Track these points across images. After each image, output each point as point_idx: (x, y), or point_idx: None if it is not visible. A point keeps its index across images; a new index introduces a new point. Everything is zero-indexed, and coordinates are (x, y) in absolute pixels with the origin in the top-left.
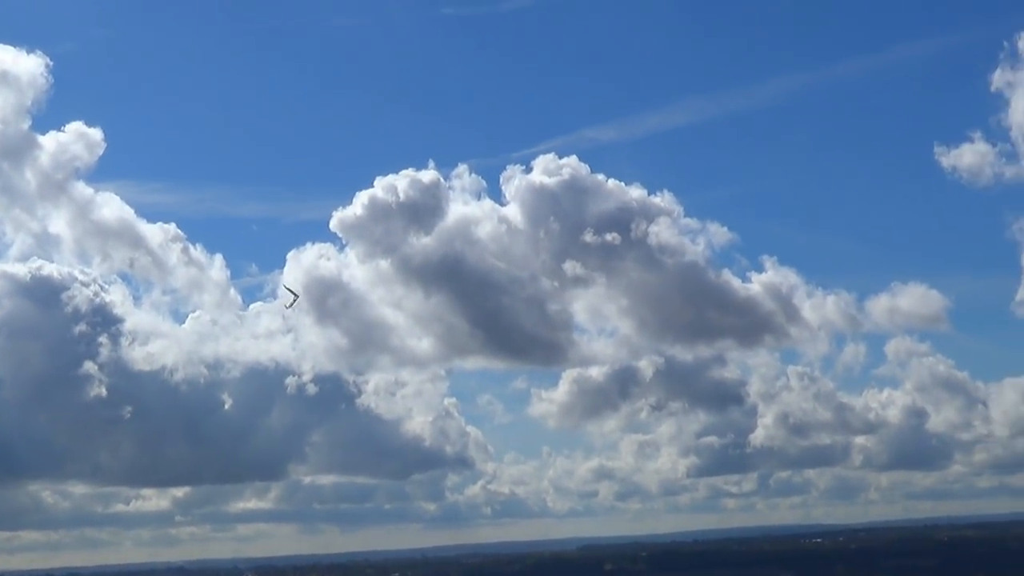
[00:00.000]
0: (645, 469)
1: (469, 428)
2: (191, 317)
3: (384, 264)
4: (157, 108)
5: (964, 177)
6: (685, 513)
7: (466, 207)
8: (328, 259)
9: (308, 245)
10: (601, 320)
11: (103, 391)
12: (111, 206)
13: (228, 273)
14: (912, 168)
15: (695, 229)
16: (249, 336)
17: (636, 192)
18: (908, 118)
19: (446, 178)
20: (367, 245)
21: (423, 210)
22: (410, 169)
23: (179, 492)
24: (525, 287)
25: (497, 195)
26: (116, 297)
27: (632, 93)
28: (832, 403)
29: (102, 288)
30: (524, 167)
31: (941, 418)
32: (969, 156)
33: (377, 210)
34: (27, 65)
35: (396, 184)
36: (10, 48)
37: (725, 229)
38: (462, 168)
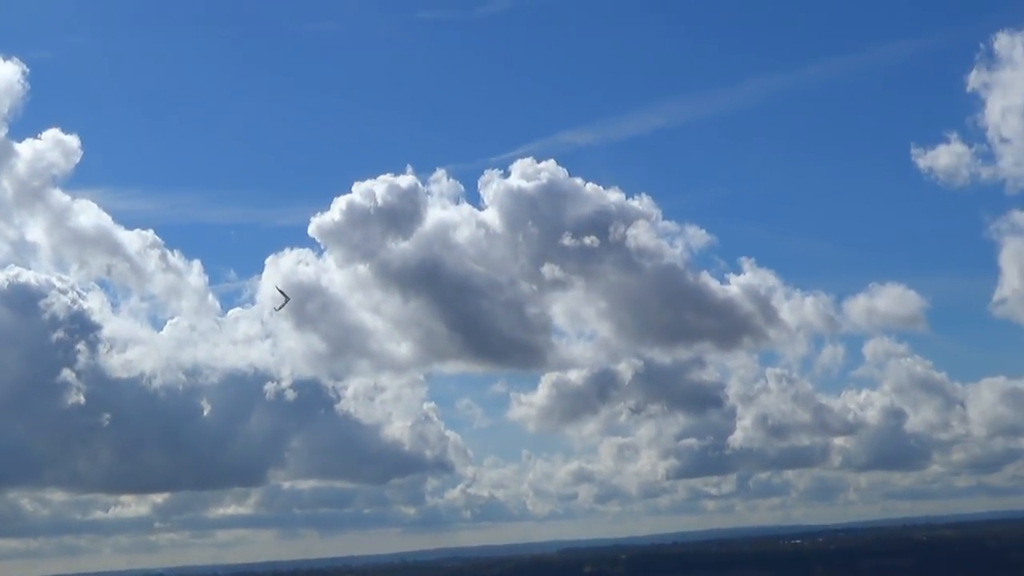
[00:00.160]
0: (624, 472)
1: (448, 432)
2: (169, 323)
3: (363, 269)
4: (134, 114)
5: (941, 178)
6: (665, 515)
7: (444, 212)
8: (306, 264)
9: (286, 251)
10: (580, 323)
11: (81, 398)
12: (88, 213)
13: (206, 279)
14: (889, 169)
15: (673, 232)
16: (228, 342)
17: (614, 195)
18: (885, 119)
19: (424, 183)
20: (345, 250)
21: (401, 215)
22: (388, 174)
23: (158, 498)
24: (504, 291)
25: (475, 199)
26: (94, 304)
27: (610, 97)
28: (811, 404)
29: (80, 295)
30: (502, 171)
31: (919, 418)
32: (946, 157)
33: (355, 215)
34: (3, 72)
35: (374, 189)
36: None
37: (703, 232)
38: (440, 173)
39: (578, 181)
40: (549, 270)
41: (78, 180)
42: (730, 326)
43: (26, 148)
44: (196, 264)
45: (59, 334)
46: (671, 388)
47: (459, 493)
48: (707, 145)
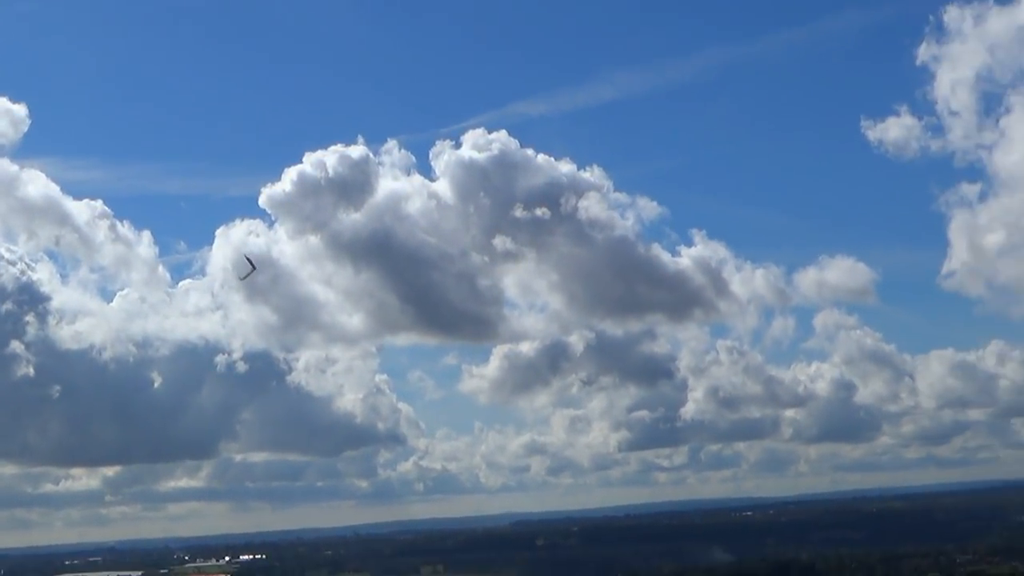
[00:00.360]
0: (576, 444)
1: (400, 405)
2: (119, 295)
3: (314, 240)
4: (83, 84)
5: (891, 150)
6: (616, 487)
7: (396, 183)
8: (257, 235)
9: (237, 221)
10: (531, 295)
11: (30, 370)
12: (36, 183)
13: (156, 250)
14: (839, 142)
15: (625, 203)
16: (178, 314)
17: (566, 167)
18: (835, 92)
19: (375, 154)
20: (296, 221)
21: (352, 186)
22: (339, 144)
23: (109, 471)
24: (455, 263)
25: (427, 170)
26: (43, 275)
27: (562, 67)
28: (761, 376)
29: (28, 266)
30: (454, 142)
31: (869, 391)
32: (895, 129)
33: (306, 186)
34: None
35: (325, 160)
36: None
37: (655, 203)
38: (391, 143)
39: (530, 152)
40: (501, 242)
41: (26, 149)
42: (681, 298)
43: None
44: (146, 235)
45: (7, 306)
46: (623, 360)
47: (412, 466)
48: (659, 116)
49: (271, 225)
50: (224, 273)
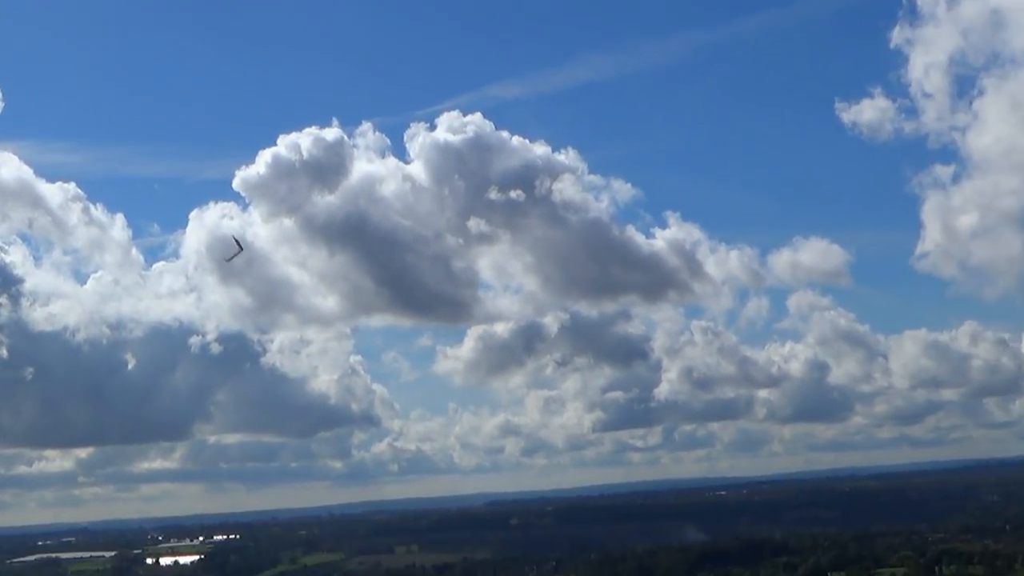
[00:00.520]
0: (551, 424)
1: (375, 386)
2: (93, 277)
3: (288, 223)
4: (57, 67)
5: (864, 132)
6: (591, 467)
7: (370, 165)
8: (231, 218)
9: (211, 204)
10: (506, 277)
11: (3, 352)
12: (9, 166)
13: (130, 233)
14: (813, 123)
15: (599, 185)
16: (152, 296)
17: (541, 149)
18: (809, 74)
19: (350, 136)
20: (271, 204)
21: (327, 168)
22: (313, 127)
23: (82, 453)
24: (430, 245)
25: (401, 153)
26: (16, 258)
27: (537, 49)
28: (735, 357)
29: (1, 249)
30: (428, 124)
31: (842, 371)
32: (869, 112)
33: (280, 168)
34: None
35: (299, 142)
36: None
37: (629, 185)
38: (366, 126)
39: (505, 134)
40: (475, 224)
41: None
42: (656, 280)
43: None
44: (119, 217)
45: None
46: (597, 341)
47: (386, 446)
48: (634, 98)
49: (245, 208)
50: (198, 256)
